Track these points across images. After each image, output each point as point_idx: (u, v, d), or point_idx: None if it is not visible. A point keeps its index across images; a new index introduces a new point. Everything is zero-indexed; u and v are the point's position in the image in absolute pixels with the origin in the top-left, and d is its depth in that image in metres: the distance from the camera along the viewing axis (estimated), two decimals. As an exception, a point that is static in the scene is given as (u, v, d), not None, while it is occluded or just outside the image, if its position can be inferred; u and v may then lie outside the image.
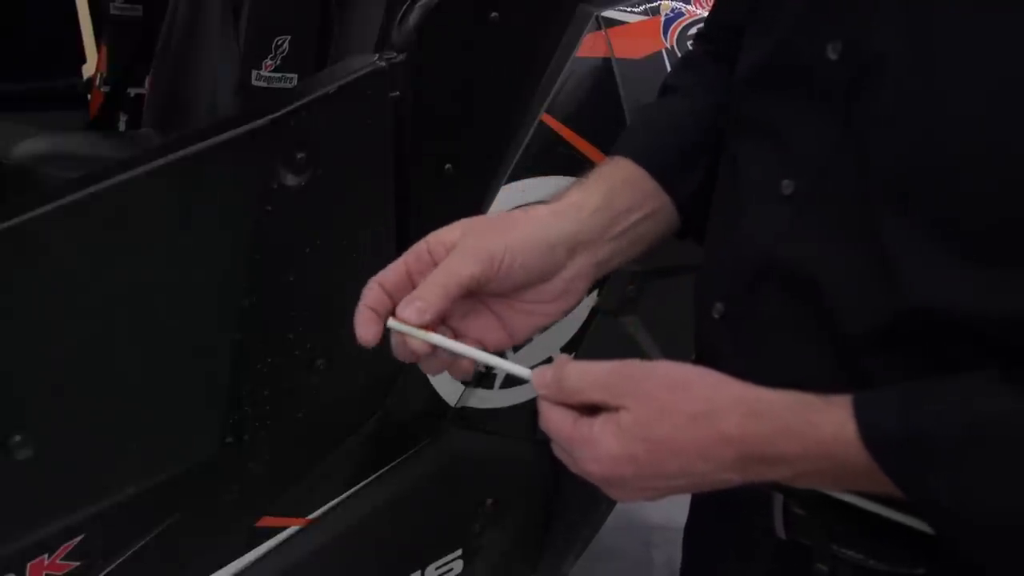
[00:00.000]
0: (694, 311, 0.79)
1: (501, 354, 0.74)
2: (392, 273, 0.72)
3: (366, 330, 0.70)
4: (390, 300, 0.71)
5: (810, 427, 0.61)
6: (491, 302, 0.75)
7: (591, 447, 0.64)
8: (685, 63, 0.94)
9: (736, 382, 0.64)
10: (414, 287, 0.71)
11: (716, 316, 0.75)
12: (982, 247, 0.60)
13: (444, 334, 0.72)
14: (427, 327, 0.70)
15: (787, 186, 0.70)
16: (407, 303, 0.69)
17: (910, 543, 0.65)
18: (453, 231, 0.73)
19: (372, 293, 0.71)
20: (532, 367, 0.69)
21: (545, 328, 0.78)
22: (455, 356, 0.72)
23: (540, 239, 0.73)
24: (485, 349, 0.74)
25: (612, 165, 0.82)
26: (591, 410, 0.65)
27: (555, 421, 0.66)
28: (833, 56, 0.67)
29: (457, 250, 0.71)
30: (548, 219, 0.75)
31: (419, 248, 0.73)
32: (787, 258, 0.69)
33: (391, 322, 0.70)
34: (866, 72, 0.64)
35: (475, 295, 0.73)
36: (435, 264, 0.71)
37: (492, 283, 0.72)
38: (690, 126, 0.84)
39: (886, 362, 0.64)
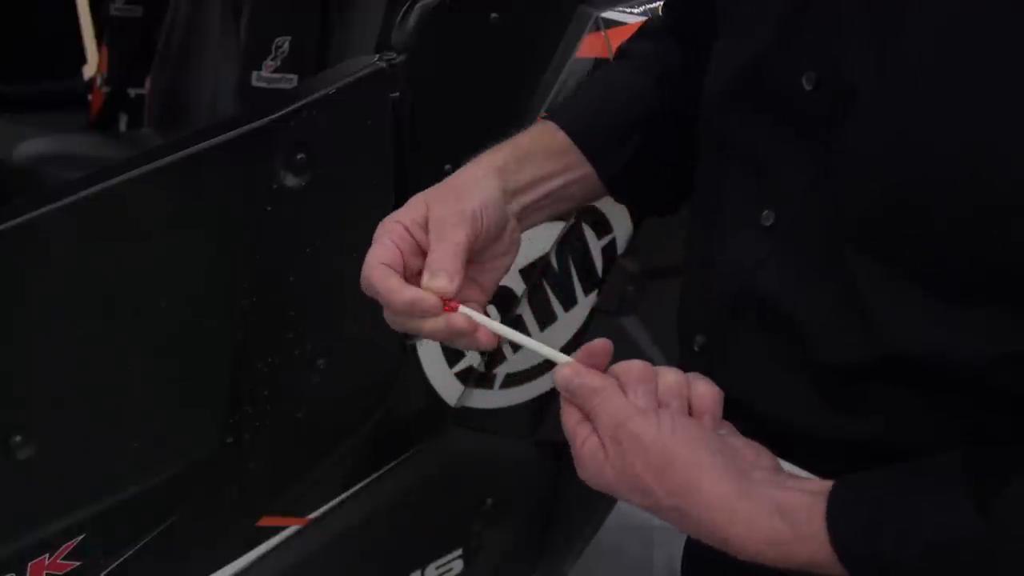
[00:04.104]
0: (677, 342, 0.79)
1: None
2: (390, 252, 0.73)
3: (399, 294, 0.71)
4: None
5: (783, 552, 0.61)
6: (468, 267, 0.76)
7: (578, 461, 0.67)
8: (644, 32, 0.93)
9: (719, 468, 0.63)
10: (406, 266, 0.73)
11: (697, 348, 0.75)
12: (953, 288, 0.59)
13: None
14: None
15: (767, 216, 0.69)
16: (432, 276, 0.71)
17: None
18: (418, 207, 0.75)
19: (379, 270, 0.72)
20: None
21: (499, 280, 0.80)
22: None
23: (492, 197, 0.76)
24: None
25: (543, 131, 0.84)
26: None
27: (564, 413, 0.69)
28: (808, 86, 0.65)
29: (440, 222, 0.73)
30: (484, 181, 0.78)
31: (396, 230, 0.74)
32: (765, 290, 0.68)
33: (463, 308, 0.72)
34: (839, 105, 0.63)
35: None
36: (416, 241, 0.73)
37: (478, 242, 0.74)
38: (631, 101, 0.85)
39: (866, 395, 0.64)
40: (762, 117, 0.70)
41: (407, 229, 0.74)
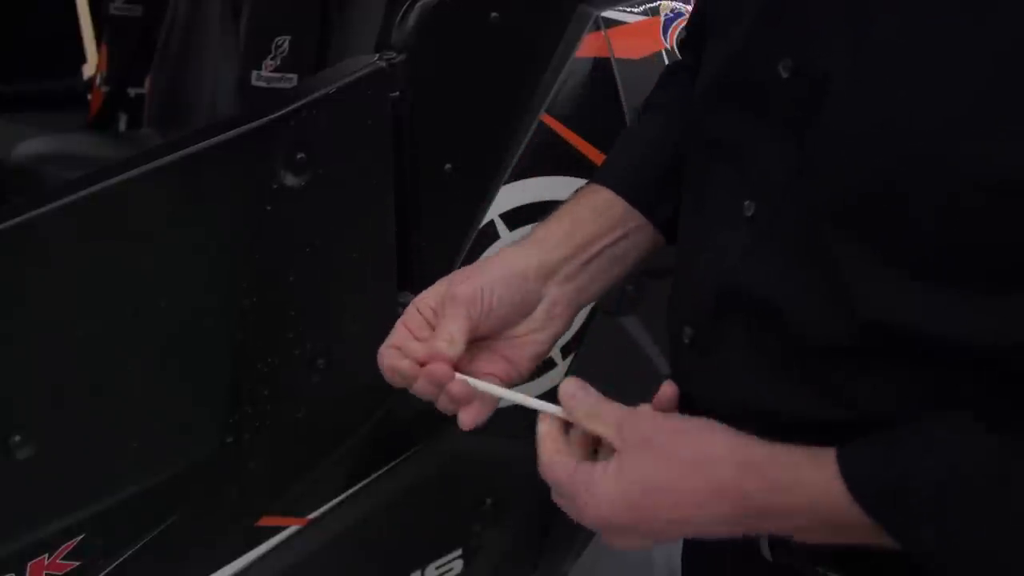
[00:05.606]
0: (667, 336, 0.80)
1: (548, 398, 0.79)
2: (400, 336, 0.78)
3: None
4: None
5: (799, 485, 0.62)
6: (493, 344, 0.80)
7: (590, 491, 0.67)
8: (664, 80, 0.95)
9: (726, 429, 0.66)
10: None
11: (686, 341, 0.75)
12: (935, 269, 0.59)
13: None
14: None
15: (748, 207, 0.70)
16: (436, 340, 0.76)
17: (893, 564, 0.64)
18: (437, 289, 0.79)
19: (390, 354, 0.78)
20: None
21: (545, 355, 0.82)
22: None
23: (511, 273, 0.79)
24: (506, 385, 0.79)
25: (585, 194, 0.86)
26: (593, 451, 0.71)
27: (556, 467, 0.70)
28: (785, 74, 0.66)
29: (444, 307, 0.77)
30: (514, 256, 0.81)
31: (411, 311, 0.79)
32: (749, 280, 0.69)
33: (459, 376, 0.75)
34: (815, 92, 0.63)
35: (477, 339, 0.78)
36: (427, 321, 0.78)
37: (483, 322, 0.77)
38: (667, 149, 0.86)
39: (853, 382, 0.64)
40: (742, 109, 0.71)
41: (419, 310, 0.78)
